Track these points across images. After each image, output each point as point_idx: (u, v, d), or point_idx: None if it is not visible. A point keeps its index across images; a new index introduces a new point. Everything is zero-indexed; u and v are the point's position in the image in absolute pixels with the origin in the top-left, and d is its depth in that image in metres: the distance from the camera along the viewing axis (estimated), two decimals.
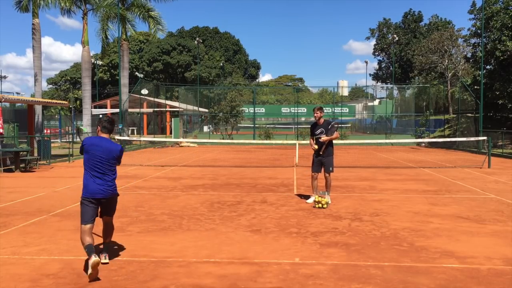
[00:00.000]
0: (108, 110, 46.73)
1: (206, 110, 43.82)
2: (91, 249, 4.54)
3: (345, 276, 4.58)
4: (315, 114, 8.50)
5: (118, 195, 5.12)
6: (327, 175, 8.56)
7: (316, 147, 8.48)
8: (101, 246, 5.23)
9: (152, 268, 4.82)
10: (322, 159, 8.45)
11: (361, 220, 7.17)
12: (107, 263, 4.86)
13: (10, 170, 14.38)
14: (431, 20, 60.60)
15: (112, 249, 5.48)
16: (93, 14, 27.05)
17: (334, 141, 8.70)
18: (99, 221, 5.07)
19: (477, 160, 17.49)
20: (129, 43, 34.48)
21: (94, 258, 4.37)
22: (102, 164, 4.84)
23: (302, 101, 62.45)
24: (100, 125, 5.03)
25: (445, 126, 32.85)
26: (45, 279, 4.49)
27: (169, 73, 66.23)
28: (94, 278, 4.38)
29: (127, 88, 28.85)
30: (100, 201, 4.88)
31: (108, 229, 5.17)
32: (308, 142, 8.99)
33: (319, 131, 8.43)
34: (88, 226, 4.78)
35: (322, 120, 8.50)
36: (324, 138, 8.32)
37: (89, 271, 4.36)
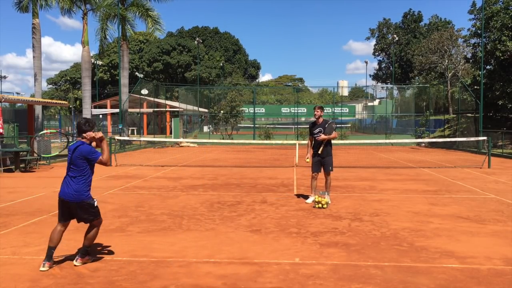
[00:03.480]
0: (108, 110, 46.74)
1: (206, 110, 43.82)
2: (49, 253, 4.76)
3: (345, 276, 4.58)
4: (315, 113, 8.52)
5: (87, 202, 4.85)
6: (326, 175, 8.57)
7: (308, 160, 8.65)
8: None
9: (152, 268, 4.82)
10: (322, 159, 8.47)
11: (361, 220, 7.17)
12: (76, 265, 4.83)
13: (10, 170, 14.38)
14: (431, 20, 60.66)
15: (112, 249, 5.48)
16: (93, 14, 27.05)
17: (333, 141, 8.71)
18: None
19: (477, 160, 17.49)
20: (129, 43, 34.50)
21: (42, 268, 4.67)
22: (70, 165, 4.90)
23: (302, 101, 62.45)
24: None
25: (445, 126, 32.85)
26: (45, 279, 4.49)
27: (169, 73, 66.24)
28: None
29: (127, 88, 28.83)
30: (67, 204, 4.84)
31: (89, 232, 4.97)
32: (305, 142, 9.01)
33: (317, 130, 8.43)
34: (59, 225, 4.88)
35: (321, 120, 8.52)
36: (322, 136, 8.33)
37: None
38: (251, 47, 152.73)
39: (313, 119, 8.77)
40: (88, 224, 4.96)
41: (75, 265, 4.81)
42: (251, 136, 33.02)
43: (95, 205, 4.88)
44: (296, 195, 9.61)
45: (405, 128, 39.45)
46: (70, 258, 5.08)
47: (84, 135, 4.91)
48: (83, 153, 4.82)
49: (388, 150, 24.98)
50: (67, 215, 4.87)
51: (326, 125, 8.41)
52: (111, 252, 5.38)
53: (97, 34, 27.41)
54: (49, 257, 4.74)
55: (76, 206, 4.80)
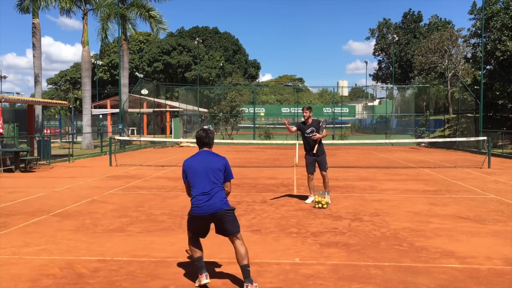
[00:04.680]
0: (108, 110, 46.71)
1: (206, 110, 43.80)
2: (200, 263, 4.36)
3: (345, 276, 4.58)
4: (305, 114, 8.59)
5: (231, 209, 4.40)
6: (324, 173, 8.62)
7: (294, 129, 8.70)
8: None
9: (152, 268, 4.82)
10: (317, 158, 8.52)
11: (361, 220, 7.17)
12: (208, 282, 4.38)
13: (10, 170, 14.38)
14: (431, 20, 60.66)
15: (112, 249, 5.48)
16: (93, 14, 27.05)
17: (332, 141, 8.73)
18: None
19: (477, 160, 17.49)
20: (129, 43, 34.51)
21: (205, 280, 4.26)
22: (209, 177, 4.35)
23: (302, 101, 62.38)
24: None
25: (445, 126, 32.84)
26: (45, 279, 4.49)
27: (169, 73, 66.23)
28: None
29: (127, 88, 28.83)
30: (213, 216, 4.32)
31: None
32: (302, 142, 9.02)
33: (309, 130, 8.48)
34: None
35: (311, 120, 8.56)
36: (317, 135, 8.38)
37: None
38: (251, 47, 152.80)
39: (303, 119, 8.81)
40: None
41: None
42: (251, 136, 33.02)
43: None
44: (296, 195, 9.61)
45: (405, 128, 39.45)
46: (70, 258, 5.08)
47: None
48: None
49: (388, 150, 24.98)
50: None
51: (320, 124, 8.47)
52: (111, 252, 5.38)
53: (98, 34, 27.42)
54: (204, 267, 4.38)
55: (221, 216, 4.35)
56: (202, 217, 4.25)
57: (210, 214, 4.23)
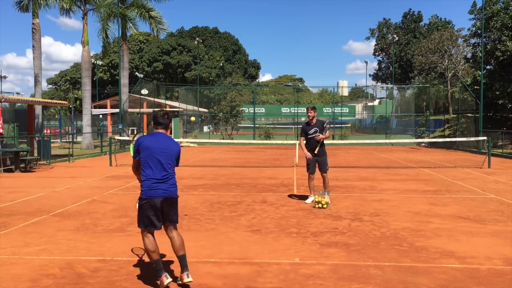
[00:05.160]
0: (108, 110, 46.68)
1: (206, 110, 43.80)
2: (159, 265, 4.18)
3: (345, 276, 4.58)
4: (309, 114, 8.55)
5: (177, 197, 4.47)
6: (324, 174, 8.60)
7: (310, 156, 8.49)
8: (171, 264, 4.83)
9: (152, 268, 4.81)
10: (318, 158, 8.50)
11: (361, 220, 7.17)
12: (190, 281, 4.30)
13: (10, 170, 14.38)
14: (431, 20, 60.68)
15: (113, 249, 5.48)
16: (93, 14, 27.04)
17: (333, 141, 8.74)
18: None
19: (477, 160, 17.49)
20: (129, 43, 34.50)
21: (166, 281, 4.07)
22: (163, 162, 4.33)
23: (302, 101, 62.42)
24: (154, 120, 4.54)
25: (445, 126, 32.84)
26: (45, 279, 4.49)
27: (169, 73, 66.22)
28: None
29: (127, 88, 28.81)
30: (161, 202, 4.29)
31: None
32: (298, 143, 8.95)
33: (312, 130, 8.46)
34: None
35: (315, 120, 8.55)
36: (320, 136, 8.37)
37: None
38: (251, 47, 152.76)
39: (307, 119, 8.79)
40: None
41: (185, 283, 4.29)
42: (251, 136, 33.02)
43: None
44: (296, 195, 9.61)
45: (405, 128, 39.45)
46: (70, 258, 5.07)
47: None
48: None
49: (388, 150, 24.98)
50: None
51: (324, 125, 8.46)
52: (111, 252, 5.38)
53: (99, 34, 27.41)
54: (163, 268, 4.24)
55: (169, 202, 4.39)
56: (155, 202, 4.21)
57: (164, 199, 4.24)
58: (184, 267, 4.26)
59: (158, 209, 4.25)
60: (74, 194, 9.63)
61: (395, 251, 5.45)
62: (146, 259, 4.90)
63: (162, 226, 4.36)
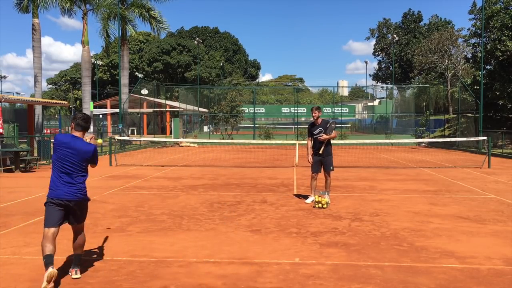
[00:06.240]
0: (108, 110, 46.73)
1: (206, 110, 43.79)
2: (49, 260, 4.14)
3: (345, 276, 4.58)
4: (314, 114, 8.56)
5: (88, 200, 4.78)
6: (327, 174, 8.58)
7: (310, 160, 8.56)
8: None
9: (152, 268, 4.82)
10: (322, 158, 8.48)
11: (361, 220, 7.17)
12: (78, 278, 4.46)
13: (10, 170, 14.38)
14: (431, 20, 60.69)
15: (113, 249, 5.48)
16: (93, 14, 27.06)
17: (333, 141, 8.74)
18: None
19: (477, 160, 17.49)
20: (129, 43, 34.51)
21: (50, 270, 4.02)
22: (73, 164, 4.47)
23: (302, 101, 62.46)
24: (74, 122, 4.59)
25: (445, 126, 32.85)
26: None
27: (169, 73, 66.22)
28: None
29: (127, 88, 28.83)
30: (68, 205, 4.47)
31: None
32: (305, 142, 8.97)
33: (317, 130, 8.45)
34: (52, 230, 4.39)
35: (320, 120, 8.54)
36: (324, 136, 8.35)
37: (44, 284, 3.99)
38: (251, 47, 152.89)
39: (312, 119, 8.79)
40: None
41: (73, 278, 4.46)
42: (251, 136, 33.01)
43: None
44: (296, 195, 9.61)
45: (405, 128, 39.45)
46: (70, 258, 5.07)
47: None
48: (95, 153, 4.77)
49: (388, 150, 24.98)
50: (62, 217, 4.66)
51: (328, 125, 8.44)
52: (111, 252, 5.38)
53: (100, 35, 27.45)
54: (52, 263, 4.27)
55: (79, 205, 4.74)
56: (60, 203, 4.40)
57: (69, 201, 4.45)
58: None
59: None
60: None
61: (395, 251, 5.45)
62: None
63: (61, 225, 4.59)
